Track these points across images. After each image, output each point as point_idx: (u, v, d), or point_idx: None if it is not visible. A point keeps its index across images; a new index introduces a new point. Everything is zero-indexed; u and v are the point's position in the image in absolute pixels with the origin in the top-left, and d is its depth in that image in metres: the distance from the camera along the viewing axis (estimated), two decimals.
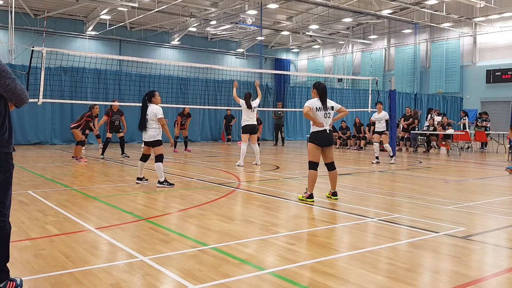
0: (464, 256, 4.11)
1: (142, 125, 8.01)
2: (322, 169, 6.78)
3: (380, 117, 12.65)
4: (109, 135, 13.28)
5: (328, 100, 6.78)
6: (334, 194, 6.86)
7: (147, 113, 7.98)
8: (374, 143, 12.86)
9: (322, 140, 6.65)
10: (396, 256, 4.09)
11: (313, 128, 6.65)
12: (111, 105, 13.53)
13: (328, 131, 6.64)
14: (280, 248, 4.29)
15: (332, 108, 6.79)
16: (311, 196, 6.63)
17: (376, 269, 3.70)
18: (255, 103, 11.61)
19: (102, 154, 13.06)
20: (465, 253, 4.19)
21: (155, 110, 7.98)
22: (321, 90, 6.72)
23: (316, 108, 6.62)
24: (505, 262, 3.96)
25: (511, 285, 3.47)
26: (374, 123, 13.07)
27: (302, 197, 6.72)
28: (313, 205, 6.42)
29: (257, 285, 3.34)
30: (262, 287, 3.31)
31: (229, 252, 4.11)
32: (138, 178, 8.40)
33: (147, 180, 8.45)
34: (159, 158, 8.01)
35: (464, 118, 20.00)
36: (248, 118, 11.51)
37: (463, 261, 3.96)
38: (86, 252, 4.08)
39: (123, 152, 13.47)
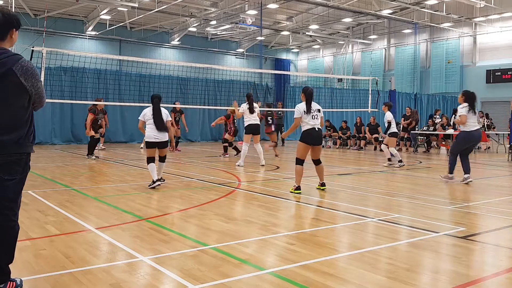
0: (464, 256, 4.11)
1: (163, 126, 7.82)
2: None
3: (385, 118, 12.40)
4: (95, 133, 12.95)
5: (314, 103, 7.39)
6: (323, 184, 7.50)
7: (162, 114, 7.91)
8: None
9: (312, 138, 7.27)
10: (396, 256, 4.09)
11: (304, 127, 7.28)
12: (94, 104, 13.33)
13: (317, 129, 7.26)
14: (280, 248, 4.29)
15: (319, 110, 7.40)
16: (298, 188, 7.26)
17: (376, 269, 3.70)
18: (256, 106, 11.61)
19: (91, 154, 12.78)
20: (465, 253, 4.19)
21: (167, 112, 8.08)
22: (308, 95, 7.39)
23: (304, 111, 7.28)
24: (505, 262, 3.96)
25: (511, 285, 3.47)
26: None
27: (292, 189, 7.33)
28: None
29: (257, 285, 3.34)
30: (262, 287, 3.31)
31: (229, 252, 4.10)
32: (157, 180, 7.77)
33: (164, 180, 8.13)
34: (165, 159, 8.09)
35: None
36: (251, 117, 11.47)
37: (463, 261, 3.95)
38: (86, 252, 4.08)
39: (91, 153, 12.77)
